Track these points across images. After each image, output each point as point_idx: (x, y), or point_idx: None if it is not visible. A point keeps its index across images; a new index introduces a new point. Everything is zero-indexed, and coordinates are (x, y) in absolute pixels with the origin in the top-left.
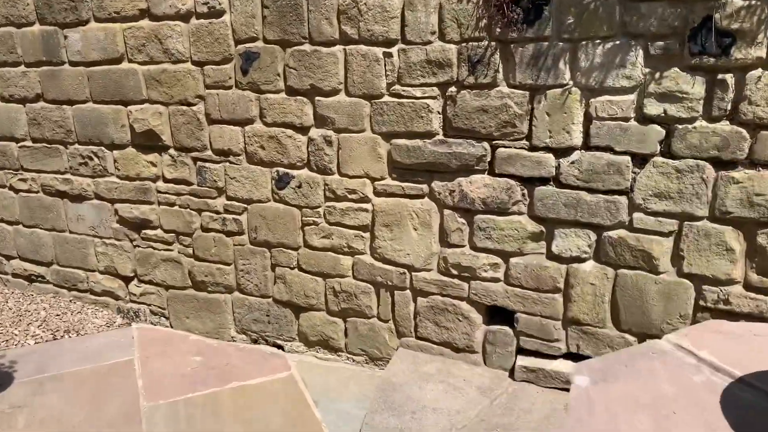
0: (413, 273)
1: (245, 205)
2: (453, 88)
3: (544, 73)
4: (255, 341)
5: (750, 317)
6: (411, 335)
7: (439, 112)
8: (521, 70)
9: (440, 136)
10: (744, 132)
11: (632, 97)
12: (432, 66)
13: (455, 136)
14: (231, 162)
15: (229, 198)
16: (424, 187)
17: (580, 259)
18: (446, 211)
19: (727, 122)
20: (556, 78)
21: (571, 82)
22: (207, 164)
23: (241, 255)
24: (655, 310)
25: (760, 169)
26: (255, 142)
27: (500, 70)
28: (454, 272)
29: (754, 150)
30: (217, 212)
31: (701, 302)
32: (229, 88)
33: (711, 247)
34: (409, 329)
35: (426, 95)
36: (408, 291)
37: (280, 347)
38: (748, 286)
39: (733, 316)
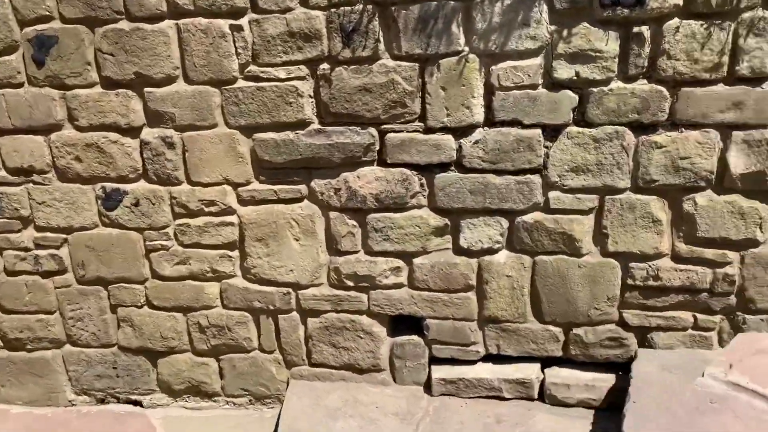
0: (299, 291)
1: (64, 236)
2: (325, 65)
3: (434, 40)
4: (102, 401)
5: (681, 290)
6: (304, 363)
7: (311, 96)
8: (407, 37)
9: (316, 125)
10: (664, 90)
11: (539, 60)
12: (296, 39)
13: (335, 124)
14: (36, 182)
15: (39, 229)
16: (303, 188)
17: (492, 251)
18: (333, 214)
19: (645, 81)
20: (450, 44)
21: (467, 48)
22: (1, 189)
23: (68, 299)
24: (580, 296)
25: (683, 130)
26: (67, 154)
27: (381, 39)
28: (349, 283)
29: (676, 109)
30: (26, 249)
31: (629, 281)
32: (20, 85)
33: (636, 220)
34: (301, 357)
35: (292, 75)
36: (295, 313)
37: (137, 403)
38: (676, 257)
39: (664, 291)
